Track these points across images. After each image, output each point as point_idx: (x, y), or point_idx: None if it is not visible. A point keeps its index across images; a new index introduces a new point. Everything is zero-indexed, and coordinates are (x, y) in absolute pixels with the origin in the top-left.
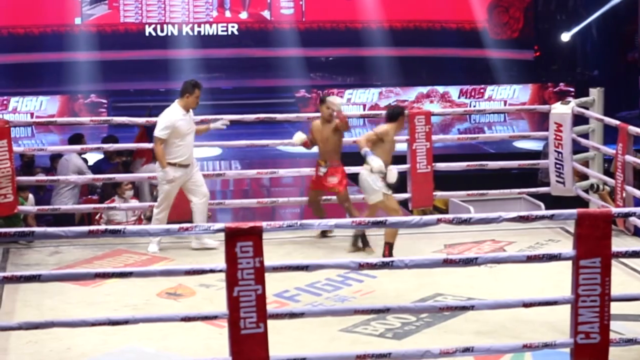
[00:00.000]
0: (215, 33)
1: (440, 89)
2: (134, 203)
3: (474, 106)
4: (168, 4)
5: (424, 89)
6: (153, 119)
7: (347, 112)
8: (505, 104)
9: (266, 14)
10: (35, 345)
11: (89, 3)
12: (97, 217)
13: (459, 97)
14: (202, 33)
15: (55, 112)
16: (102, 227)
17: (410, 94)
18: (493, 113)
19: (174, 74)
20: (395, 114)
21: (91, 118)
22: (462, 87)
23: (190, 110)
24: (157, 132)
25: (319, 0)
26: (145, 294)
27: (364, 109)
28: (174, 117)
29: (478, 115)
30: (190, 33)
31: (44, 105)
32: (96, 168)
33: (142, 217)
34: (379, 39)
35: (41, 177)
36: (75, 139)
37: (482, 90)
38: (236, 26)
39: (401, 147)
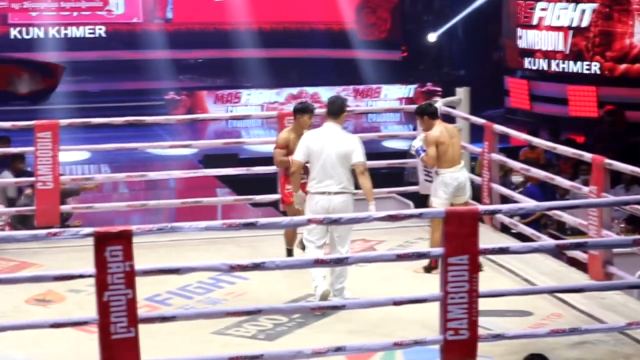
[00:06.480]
0: (82, 35)
1: (310, 89)
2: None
3: (370, 106)
4: None
5: (293, 90)
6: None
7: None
8: (401, 103)
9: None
10: None
11: None
12: None
13: (354, 98)
14: (69, 35)
15: None
16: None
17: (280, 95)
18: (362, 113)
19: None
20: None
21: None
22: (356, 86)
23: None
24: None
25: (188, 2)
26: (14, 300)
27: (262, 109)
28: None
29: (374, 115)
30: (57, 35)
31: None
32: None
33: (9, 223)
34: (248, 41)
35: None
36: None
37: (378, 90)
38: (104, 28)
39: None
